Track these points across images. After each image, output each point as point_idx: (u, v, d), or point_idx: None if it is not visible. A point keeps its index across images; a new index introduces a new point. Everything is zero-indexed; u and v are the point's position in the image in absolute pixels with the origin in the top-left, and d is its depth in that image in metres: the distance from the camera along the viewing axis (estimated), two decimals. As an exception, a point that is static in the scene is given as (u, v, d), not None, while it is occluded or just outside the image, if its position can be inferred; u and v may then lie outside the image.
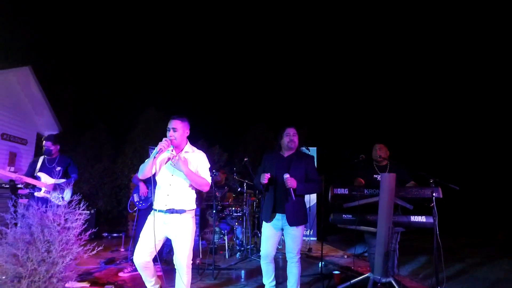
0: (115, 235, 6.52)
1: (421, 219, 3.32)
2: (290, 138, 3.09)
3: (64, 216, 2.83)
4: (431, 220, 3.29)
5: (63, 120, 8.17)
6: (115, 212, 7.84)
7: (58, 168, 4.20)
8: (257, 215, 6.06)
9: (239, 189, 5.83)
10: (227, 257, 5.21)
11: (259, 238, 5.96)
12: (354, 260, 5.28)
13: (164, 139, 2.69)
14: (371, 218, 3.41)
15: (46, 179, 4.12)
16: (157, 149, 2.62)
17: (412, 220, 3.33)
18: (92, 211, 6.53)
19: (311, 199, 6.92)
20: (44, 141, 4.24)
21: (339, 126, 10.37)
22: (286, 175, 2.88)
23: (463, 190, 3.56)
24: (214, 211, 4.77)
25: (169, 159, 2.71)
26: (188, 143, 2.88)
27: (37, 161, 4.24)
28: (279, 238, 3.13)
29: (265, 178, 2.93)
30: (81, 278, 3.66)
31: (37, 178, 4.10)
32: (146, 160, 2.82)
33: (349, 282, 3.50)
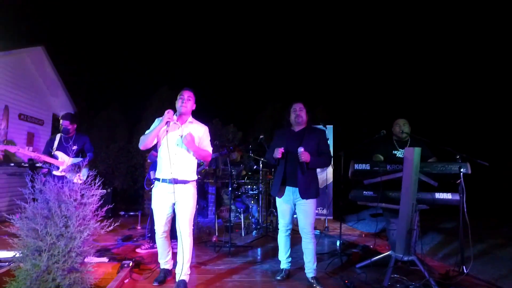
0: (131, 213, 6.61)
1: (447, 196, 3.17)
2: (296, 113, 3.11)
3: (80, 192, 2.80)
4: (457, 197, 3.14)
5: (78, 100, 8.19)
6: (131, 191, 7.93)
7: (75, 147, 4.20)
8: (272, 193, 6.00)
9: (254, 167, 5.76)
10: (243, 235, 5.21)
11: (275, 216, 5.95)
12: (374, 239, 5.20)
13: (167, 111, 2.79)
14: (393, 195, 3.28)
15: (63, 158, 4.13)
16: (163, 121, 2.76)
17: (436, 197, 3.18)
18: (109, 190, 6.61)
19: (327, 178, 6.80)
20: (61, 120, 4.23)
21: (356, 103, 10.04)
22: (301, 149, 2.86)
23: (493, 167, 3.36)
24: (229, 189, 4.72)
25: (167, 132, 2.79)
26: (191, 116, 3.01)
27: (54, 140, 4.25)
28: (293, 211, 3.12)
29: (279, 152, 2.95)
30: (99, 254, 3.70)
31: (55, 157, 4.12)
32: (147, 131, 2.92)
33: (369, 260, 3.41)
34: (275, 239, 4.89)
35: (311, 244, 2.98)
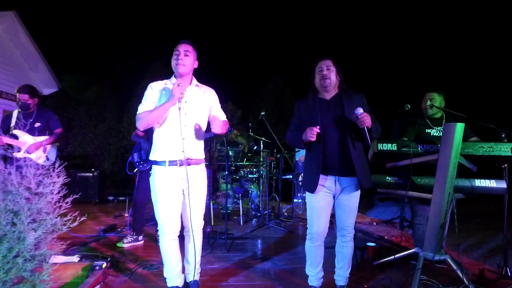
0: (121, 198, 6.08)
1: (490, 183, 2.59)
2: (322, 74, 2.27)
3: (35, 179, 2.22)
4: (504, 184, 2.57)
5: (63, 76, 7.51)
6: (121, 174, 7.39)
7: (38, 124, 3.60)
8: (275, 176, 5.43)
9: (255, 148, 5.17)
10: (241, 223, 4.68)
11: (277, 202, 5.43)
12: (387, 229, 4.69)
13: (176, 83, 2.14)
14: (422, 181, 2.70)
15: (24, 137, 3.53)
16: (175, 97, 2.12)
17: (477, 184, 2.60)
18: (96, 173, 6.05)
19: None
20: (18, 94, 3.57)
21: (370, 76, 9.21)
22: (360, 110, 2.09)
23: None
24: (226, 173, 4.15)
25: (179, 109, 2.18)
26: (194, 78, 2.38)
27: (11, 117, 3.62)
28: (331, 209, 2.34)
29: (313, 133, 2.10)
30: (72, 250, 3.16)
31: (14, 137, 3.51)
32: (142, 106, 2.26)
33: (393, 257, 2.87)
34: (276, 229, 4.42)
35: (349, 248, 2.35)
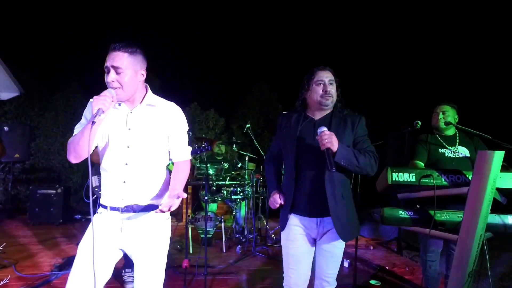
0: (89, 217, 5.39)
1: (526, 220, 2.14)
2: (325, 88, 1.79)
3: None
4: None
5: (26, 79, 6.76)
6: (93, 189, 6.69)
7: None
8: (262, 196, 4.89)
9: (239, 165, 4.62)
10: (224, 250, 4.11)
11: (265, 223, 4.88)
12: (385, 254, 4.23)
13: (105, 91, 1.50)
14: (443, 216, 2.22)
15: None
16: (94, 110, 1.41)
17: (510, 222, 2.15)
18: (60, 190, 5.34)
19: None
20: None
21: (372, 87, 8.72)
22: (323, 128, 1.67)
23: None
24: (206, 196, 3.59)
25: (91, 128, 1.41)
26: (149, 91, 1.70)
27: None
28: (312, 255, 1.89)
29: (276, 204, 1.86)
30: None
31: None
32: (76, 128, 1.69)
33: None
34: (263, 258, 3.89)
35: None
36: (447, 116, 2.70)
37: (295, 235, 1.83)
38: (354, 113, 1.89)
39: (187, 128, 1.81)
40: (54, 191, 5.38)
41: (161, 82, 8.44)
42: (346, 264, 3.65)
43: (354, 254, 3.18)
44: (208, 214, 4.24)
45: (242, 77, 9.44)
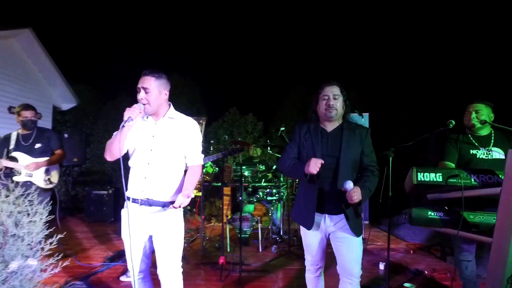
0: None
1: None
2: (329, 103, 2.03)
3: (11, 219, 1.92)
4: None
5: (81, 91, 7.49)
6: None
7: (38, 145, 3.42)
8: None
9: (274, 167, 4.75)
10: (260, 250, 4.25)
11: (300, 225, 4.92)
12: (426, 259, 4.09)
13: (135, 104, 1.95)
14: (476, 218, 2.16)
15: (24, 160, 3.33)
16: (124, 117, 1.85)
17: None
18: (111, 191, 5.85)
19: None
20: (22, 111, 3.43)
21: (395, 86, 8.57)
22: (350, 185, 1.87)
23: None
24: (240, 197, 3.77)
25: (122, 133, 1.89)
26: (172, 108, 2.11)
27: (10, 139, 3.44)
28: (326, 244, 2.16)
29: (318, 165, 1.88)
30: (70, 286, 2.88)
31: (13, 159, 3.32)
32: (114, 134, 2.04)
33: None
34: (299, 258, 3.96)
35: None
36: (481, 115, 2.60)
37: (312, 229, 2.05)
38: (360, 125, 2.14)
39: (201, 138, 2.16)
40: (106, 192, 5.90)
41: (201, 88, 8.86)
42: (381, 266, 3.62)
43: (385, 255, 3.15)
44: (245, 214, 4.42)
45: (280, 82, 9.65)
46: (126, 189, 2.10)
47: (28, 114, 3.45)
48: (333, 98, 2.03)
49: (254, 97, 9.59)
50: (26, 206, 2.00)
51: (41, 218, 2.02)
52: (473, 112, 2.64)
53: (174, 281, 2.06)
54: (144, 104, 1.93)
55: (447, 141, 2.73)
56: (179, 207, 1.95)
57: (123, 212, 2.01)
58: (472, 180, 2.01)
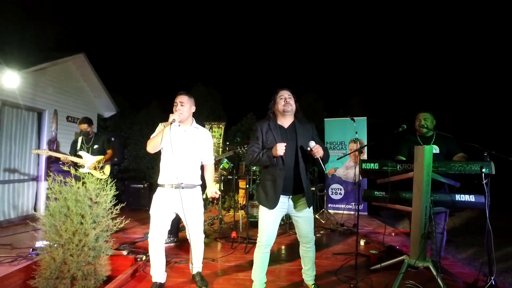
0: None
1: (469, 198, 2.87)
2: (286, 101, 2.59)
3: (94, 192, 3.03)
4: (482, 199, 2.83)
5: (120, 101, 8.77)
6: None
7: (96, 146, 4.59)
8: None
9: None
10: (266, 230, 5.22)
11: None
12: (404, 238, 4.91)
13: (176, 112, 2.77)
14: (406, 196, 3.05)
15: (86, 157, 4.52)
16: (170, 119, 2.69)
17: (457, 199, 2.90)
18: (146, 185, 7.03)
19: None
20: (79, 125, 4.64)
21: (394, 93, 9.37)
22: (312, 143, 2.45)
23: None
24: (247, 186, 4.77)
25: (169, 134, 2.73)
26: (194, 121, 2.95)
27: (77, 141, 4.68)
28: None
29: (282, 148, 2.38)
30: (123, 246, 3.99)
31: (79, 157, 4.53)
32: (154, 133, 2.92)
33: (379, 265, 3.24)
34: (295, 235, 4.87)
35: (312, 252, 2.74)
36: (427, 121, 3.46)
37: (275, 210, 2.56)
38: (308, 121, 2.75)
39: (212, 143, 3.04)
40: (142, 185, 7.09)
41: (222, 96, 9.93)
42: (362, 243, 4.48)
43: (372, 237, 4.02)
44: (254, 202, 5.41)
45: (291, 89, 10.53)
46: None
47: (82, 127, 4.67)
48: (288, 97, 2.60)
49: (267, 102, 10.57)
50: (102, 185, 3.11)
51: (108, 194, 3.13)
52: (422, 119, 3.49)
53: (201, 241, 2.92)
54: (180, 114, 2.74)
55: (401, 140, 3.60)
56: (212, 198, 2.88)
57: (155, 195, 2.84)
58: (397, 167, 2.92)
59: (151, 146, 2.80)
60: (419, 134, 3.52)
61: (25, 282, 2.92)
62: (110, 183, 3.15)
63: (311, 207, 2.66)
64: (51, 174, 3.18)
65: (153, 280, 2.85)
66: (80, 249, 2.76)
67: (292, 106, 2.62)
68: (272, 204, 2.54)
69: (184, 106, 2.79)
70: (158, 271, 2.84)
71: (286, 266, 3.61)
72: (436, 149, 3.38)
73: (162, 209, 2.78)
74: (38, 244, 3.70)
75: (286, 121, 2.67)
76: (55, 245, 2.77)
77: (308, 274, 2.81)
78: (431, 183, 2.76)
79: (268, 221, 2.61)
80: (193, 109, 2.90)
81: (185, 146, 2.82)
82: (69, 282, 2.68)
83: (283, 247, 4.45)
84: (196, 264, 2.97)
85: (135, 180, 7.90)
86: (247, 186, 4.94)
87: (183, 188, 2.73)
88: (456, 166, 2.74)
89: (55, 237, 2.76)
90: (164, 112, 9.49)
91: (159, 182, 2.85)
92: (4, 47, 5.51)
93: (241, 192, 6.60)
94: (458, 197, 2.89)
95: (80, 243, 2.78)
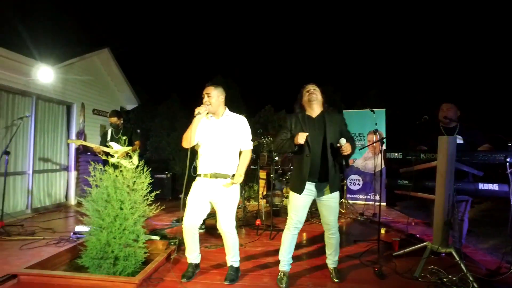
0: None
1: (492, 187, 2.94)
2: (310, 92, 2.75)
3: (132, 180, 3.24)
4: (505, 188, 2.89)
5: (141, 94, 9.02)
6: (190, 176, 8.58)
7: (124, 137, 4.83)
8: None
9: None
10: (287, 219, 5.39)
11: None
12: (423, 228, 5.00)
13: (202, 105, 2.81)
14: (430, 184, 3.15)
15: (116, 147, 4.79)
16: (195, 113, 2.73)
17: (480, 187, 2.97)
18: (169, 175, 7.28)
19: (379, 163, 6.59)
20: (110, 117, 4.91)
21: (412, 86, 9.31)
22: (343, 141, 2.52)
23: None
24: (272, 175, 4.93)
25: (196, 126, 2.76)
26: (227, 109, 2.95)
27: (107, 133, 4.97)
28: (309, 207, 2.84)
29: (303, 137, 2.52)
30: (154, 232, 4.23)
31: (109, 147, 4.81)
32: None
33: (403, 251, 3.35)
34: (318, 224, 5.03)
35: (335, 239, 2.85)
36: (450, 112, 3.50)
37: (302, 194, 2.70)
38: (337, 112, 2.87)
39: (249, 129, 2.95)
40: (165, 176, 7.35)
41: (241, 88, 10.06)
42: (382, 231, 4.59)
43: (392, 226, 4.13)
44: (276, 191, 5.58)
45: (309, 81, 10.59)
46: (194, 172, 3.06)
47: (112, 120, 4.98)
48: (313, 89, 2.76)
49: (287, 95, 10.68)
50: (138, 174, 3.31)
51: (144, 182, 3.34)
52: (444, 110, 3.55)
53: (229, 232, 2.82)
54: (207, 105, 2.77)
55: (424, 131, 3.66)
56: (237, 182, 2.78)
57: (194, 183, 2.93)
58: (421, 156, 3.01)
59: (185, 141, 2.87)
60: (442, 125, 3.57)
61: (72, 261, 3.19)
62: (145, 171, 3.36)
63: (337, 196, 2.78)
64: (90, 162, 3.39)
65: (189, 261, 3.02)
66: (121, 232, 2.99)
67: (317, 96, 2.75)
68: (298, 189, 2.69)
69: (211, 97, 2.81)
70: (192, 253, 2.99)
71: (309, 250, 3.76)
72: (460, 139, 3.43)
73: (196, 197, 2.87)
74: (78, 228, 3.97)
75: (314, 112, 2.79)
76: (98, 229, 3.00)
77: (330, 259, 2.96)
78: (455, 172, 2.85)
79: (297, 205, 2.76)
80: (222, 98, 2.89)
81: (217, 136, 2.85)
82: (112, 262, 2.91)
83: (304, 234, 4.60)
84: (229, 256, 2.92)
85: (158, 171, 8.17)
86: (271, 176, 5.09)
87: (216, 178, 2.80)
88: (480, 156, 2.81)
89: (99, 220, 2.99)
90: (183, 104, 9.72)
91: (198, 172, 2.96)
92: (39, 43, 5.77)
93: (262, 183, 6.77)
94: (482, 185, 2.96)
95: (121, 226, 3.00)
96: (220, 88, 2.91)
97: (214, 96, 2.82)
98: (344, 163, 2.67)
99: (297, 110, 2.86)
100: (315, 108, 2.78)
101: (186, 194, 2.99)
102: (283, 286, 2.73)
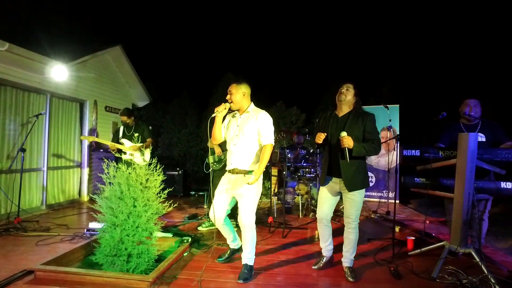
0: (201, 193, 7.24)
1: (515, 185, 2.83)
2: (340, 92, 2.85)
3: (145, 177, 3.24)
4: (528, 187, 2.79)
5: (153, 91, 9.06)
6: (201, 173, 8.61)
7: (136, 134, 4.85)
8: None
9: (311, 150, 5.78)
10: (300, 216, 5.35)
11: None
12: (438, 226, 4.89)
13: (223, 104, 2.87)
14: (448, 182, 3.05)
15: (128, 144, 4.81)
16: (214, 113, 2.82)
17: (502, 186, 2.87)
18: (180, 172, 7.30)
19: (393, 160, 6.47)
20: (120, 116, 4.93)
21: (426, 81, 9.09)
22: (343, 133, 2.64)
23: None
24: (284, 172, 4.87)
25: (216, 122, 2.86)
26: (252, 104, 2.99)
27: (119, 130, 4.99)
28: (336, 201, 2.96)
29: (320, 138, 2.72)
30: (167, 229, 4.24)
31: (122, 144, 4.83)
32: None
33: (419, 250, 3.27)
34: (335, 223, 4.96)
35: (353, 234, 2.84)
36: (472, 109, 3.37)
37: (325, 187, 2.92)
38: (366, 112, 2.82)
39: (270, 124, 2.89)
40: (176, 172, 7.37)
41: (252, 85, 10.01)
42: (396, 229, 4.50)
43: (406, 224, 4.04)
44: (288, 188, 5.53)
45: (321, 77, 10.57)
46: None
47: (123, 118, 5.02)
48: (346, 89, 2.83)
49: (298, 92, 10.60)
50: (151, 171, 3.31)
51: (157, 179, 3.34)
52: (465, 106, 3.43)
53: (247, 228, 2.82)
54: (230, 103, 2.87)
55: (443, 128, 3.54)
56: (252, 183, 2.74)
57: (222, 178, 3.02)
58: (440, 154, 2.91)
59: (213, 139, 3.00)
60: (463, 121, 3.44)
61: (86, 258, 3.21)
62: (158, 169, 3.35)
63: (362, 191, 2.79)
64: (103, 159, 3.41)
65: (230, 246, 3.27)
66: (134, 230, 2.99)
67: (345, 96, 2.81)
68: (322, 181, 2.95)
69: (232, 94, 2.89)
70: (228, 239, 3.23)
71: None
72: (482, 137, 3.32)
73: (219, 191, 2.99)
74: (91, 225, 4.00)
75: (341, 111, 2.88)
76: (112, 226, 3.01)
77: (347, 257, 2.93)
78: (476, 170, 2.76)
79: (321, 197, 2.99)
80: (246, 94, 2.93)
81: (236, 132, 2.91)
82: (126, 259, 2.91)
83: (316, 232, 4.54)
84: (245, 252, 2.90)
85: (169, 168, 8.21)
86: (283, 173, 5.04)
87: (237, 173, 2.86)
88: (503, 154, 2.71)
89: (112, 218, 3.00)
90: (194, 101, 9.73)
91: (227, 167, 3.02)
92: (53, 41, 5.83)
93: (273, 180, 6.73)
94: (504, 184, 2.86)
95: (134, 224, 3.00)
96: (244, 84, 2.97)
97: (236, 93, 2.90)
98: (344, 156, 2.66)
99: (331, 108, 3.00)
100: (343, 108, 2.87)
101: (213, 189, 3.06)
102: (315, 266, 3.08)
